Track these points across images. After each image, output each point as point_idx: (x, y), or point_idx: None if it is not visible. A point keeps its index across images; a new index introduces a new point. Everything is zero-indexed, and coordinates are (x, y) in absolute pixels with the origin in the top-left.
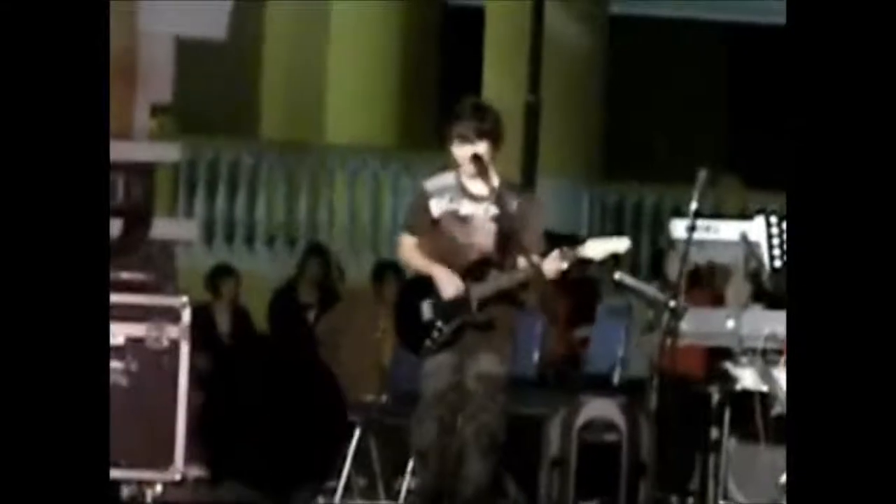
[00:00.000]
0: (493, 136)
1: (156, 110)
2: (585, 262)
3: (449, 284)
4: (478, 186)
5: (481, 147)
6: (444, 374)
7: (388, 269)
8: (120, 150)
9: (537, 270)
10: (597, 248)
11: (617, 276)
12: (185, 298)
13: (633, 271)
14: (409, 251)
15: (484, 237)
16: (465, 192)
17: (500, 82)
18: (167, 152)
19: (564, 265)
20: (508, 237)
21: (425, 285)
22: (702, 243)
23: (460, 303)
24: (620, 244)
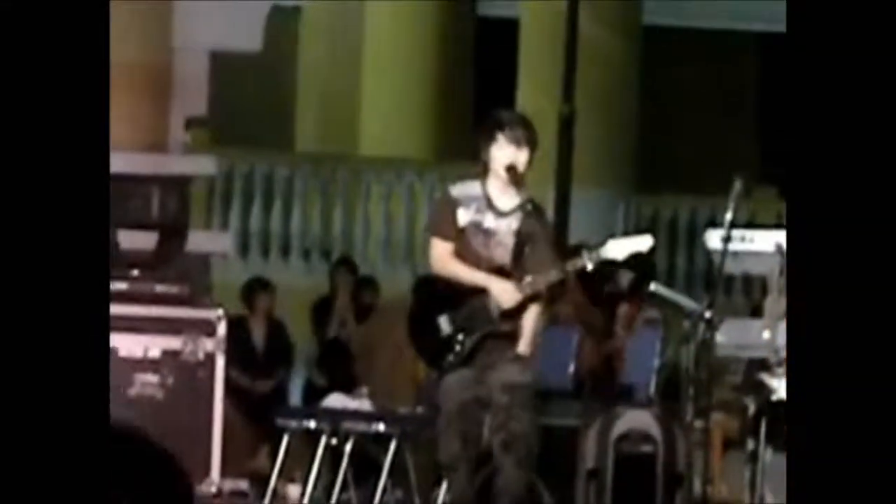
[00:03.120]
0: (533, 147)
1: (191, 123)
2: (609, 263)
3: (506, 294)
4: (503, 200)
5: (525, 155)
6: (466, 387)
7: (427, 283)
8: (155, 163)
9: (563, 271)
10: (619, 248)
11: (652, 286)
12: (220, 311)
13: (669, 282)
14: (447, 258)
15: (503, 252)
16: (490, 205)
17: (534, 93)
18: (202, 165)
19: (589, 265)
20: (525, 253)
21: (442, 298)
22: (737, 254)
23: (481, 314)
24: (643, 243)
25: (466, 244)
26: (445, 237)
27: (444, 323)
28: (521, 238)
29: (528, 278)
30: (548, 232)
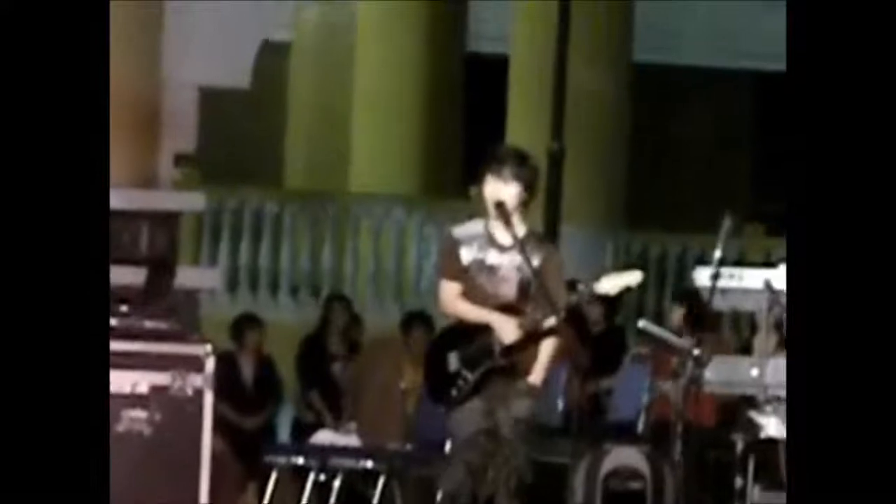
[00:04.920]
0: (527, 183)
1: (180, 159)
2: (601, 298)
3: (507, 330)
4: (504, 236)
5: (512, 190)
6: (474, 419)
7: (415, 318)
8: (144, 199)
9: (556, 310)
10: (611, 283)
11: (641, 323)
12: (208, 347)
13: (658, 320)
14: (455, 299)
15: (508, 287)
16: (492, 242)
17: (523, 130)
18: (191, 201)
19: (583, 301)
20: (531, 288)
21: (455, 336)
22: (725, 291)
23: (485, 350)
24: (633, 278)
25: (472, 282)
26: (452, 278)
27: (453, 359)
28: (526, 273)
29: (532, 317)
30: (553, 265)
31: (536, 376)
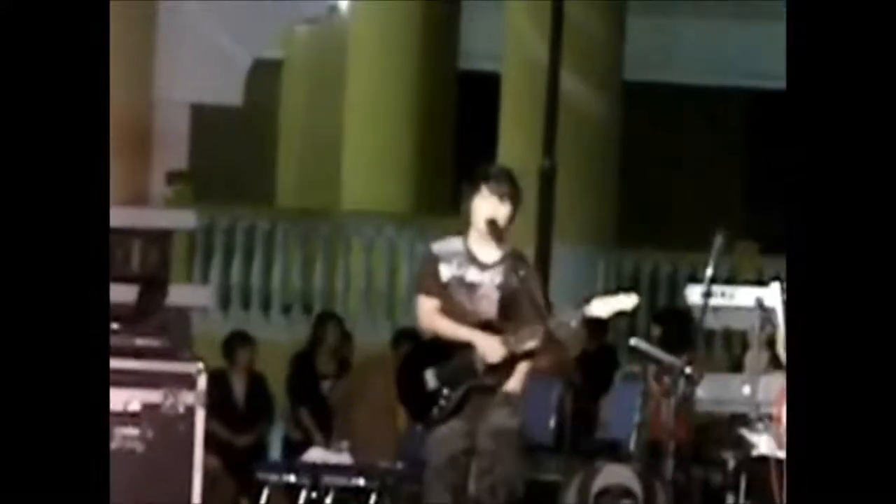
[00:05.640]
0: (516, 202)
1: (172, 177)
2: (594, 321)
3: (491, 349)
4: (485, 253)
5: (506, 208)
6: (454, 440)
7: (406, 336)
8: (136, 217)
9: (547, 332)
10: (604, 306)
11: (633, 342)
12: (200, 365)
13: (649, 338)
14: (433, 316)
15: (488, 305)
16: (472, 259)
17: (515, 148)
18: (183, 219)
19: (574, 323)
20: (511, 306)
21: (430, 353)
22: (717, 309)
23: (466, 368)
24: (628, 302)
25: (451, 299)
26: (431, 294)
27: (430, 377)
28: (506, 291)
29: (514, 336)
30: (532, 284)
31: (515, 383)
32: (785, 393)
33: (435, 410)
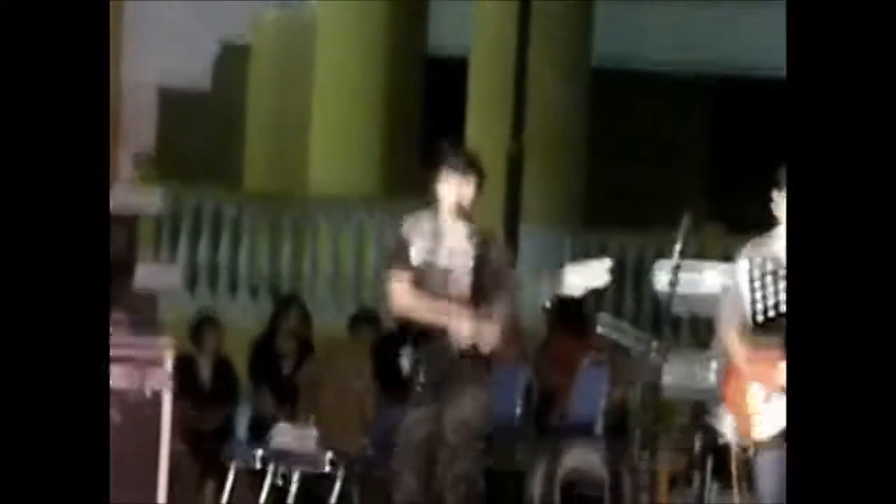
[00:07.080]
0: (479, 179)
1: (139, 160)
2: (566, 301)
3: (464, 329)
4: (455, 232)
5: (471, 189)
6: (423, 425)
7: (363, 319)
8: None
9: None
10: (577, 283)
11: (601, 317)
12: (167, 349)
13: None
14: (406, 296)
15: (460, 288)
16: (443, 242)
17: (483, 132)
18: (150, 201)
19: (547, 302)
20: (483, 287)
21: (406, 336)
22: (685, 296)
23: (441, 349)
24: (599, 278)
25: (422, 281)
26: (402, 275)
27: (406, 360)
28: (477, 271)
29: (485, 316)
30: (504, 262)
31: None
32: (732, 374)
33: (418, 388)
